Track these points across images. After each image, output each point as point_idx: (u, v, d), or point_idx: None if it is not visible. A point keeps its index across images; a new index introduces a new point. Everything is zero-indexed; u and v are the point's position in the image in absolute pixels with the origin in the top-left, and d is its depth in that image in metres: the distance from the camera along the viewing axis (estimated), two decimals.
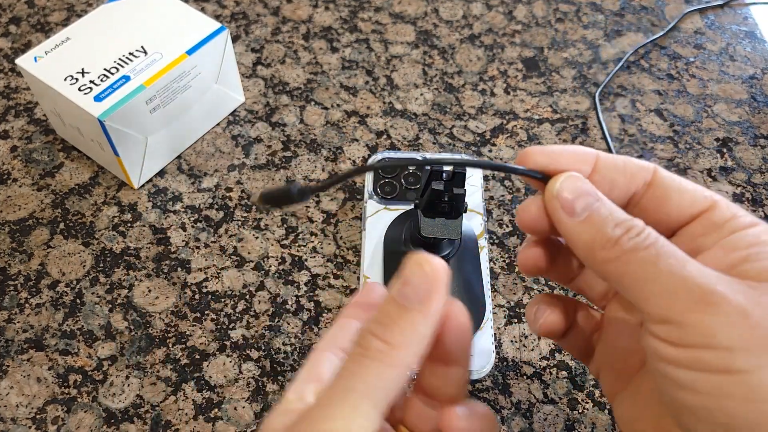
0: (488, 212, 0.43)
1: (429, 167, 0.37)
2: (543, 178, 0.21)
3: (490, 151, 0.46)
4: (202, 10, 0.54)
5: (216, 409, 0.35)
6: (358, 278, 0.40)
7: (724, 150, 0.47)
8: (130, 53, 0.41)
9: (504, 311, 0.39)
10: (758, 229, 0.20)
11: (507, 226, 0.43)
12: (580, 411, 0.35)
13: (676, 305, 0.18)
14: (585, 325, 0.25)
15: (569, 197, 0.20)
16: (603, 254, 0.19)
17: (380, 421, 0.18)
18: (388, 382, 0.18)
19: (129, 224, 0.42)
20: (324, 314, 0.38)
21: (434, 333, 0.19)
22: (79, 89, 0.39)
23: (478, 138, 0.47)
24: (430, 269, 0.18)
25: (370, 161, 0.44)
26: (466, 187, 0.34)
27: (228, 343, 0.37)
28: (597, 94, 0.49)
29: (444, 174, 0.34)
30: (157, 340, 0.37)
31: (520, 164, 0.22)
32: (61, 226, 0.42)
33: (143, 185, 0.44)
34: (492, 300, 0.39)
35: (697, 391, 0.17)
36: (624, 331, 0.23)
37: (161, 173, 0.45)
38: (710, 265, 0.19)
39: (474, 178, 0.43)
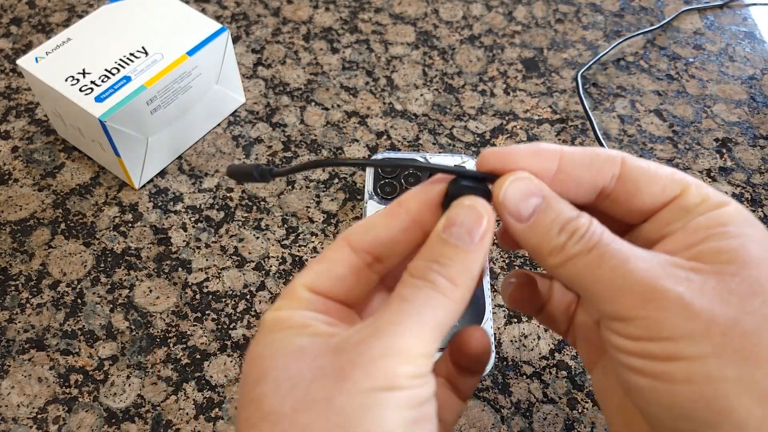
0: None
1: (430, 169, 0.37)
2: (490, 178, 0.21)
3: None
4: (203, 11, 0.54)
5: (217, 409, 0.35)
6: None
7: (724, 150, 0.47)
8: (131, 54, 0.41)
9: (503, 311, 0.39)
10: (724, 210, 0.20)
11: None
12: (580, 410, 0.35)
13: (621, 303, 0.19)
14: (561, 299, 0.26)
15: (513, 201, 0.20)
16: (551, 260, 0.20)
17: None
18: (451, 316, 0.19)
19: (130, 224, 0.42)
20: None
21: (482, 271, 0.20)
22: (80, 90, 0.39)
23: (477, 138, 0.47)
24: (482, 210, 0.20)
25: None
26: None
27: (229, 342, 0.37)
28: (579, 75, 0.49)
29: None
30: (158, 340, 0.38)
31: (477, 168, 0.22)
32: (62, 226, 0.42)
33: (144, 185, 0.44)
34: (492, 300, 0.39)
35: (646, 375, 0.19)
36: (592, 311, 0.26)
37: (162, 174, 0.45)
38: (670, 249, 0.20)
39: None
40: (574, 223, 0.20)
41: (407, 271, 0.20)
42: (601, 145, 0.47)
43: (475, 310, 0.37)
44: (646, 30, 0.53)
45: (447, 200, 0.21)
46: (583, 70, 0.49)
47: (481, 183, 0.21)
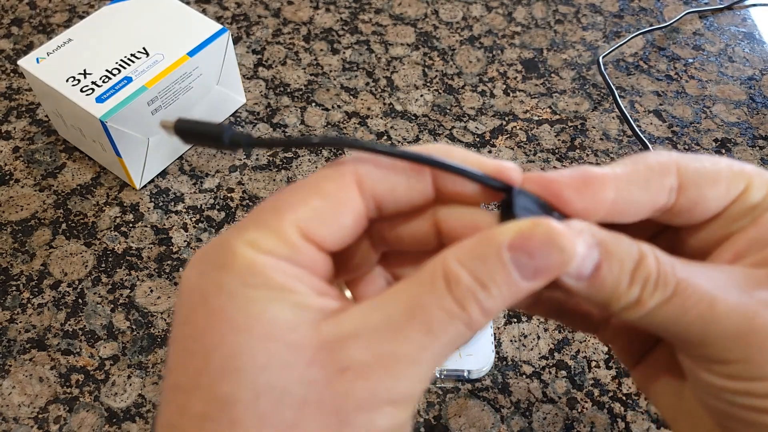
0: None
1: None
2: (503, 188, 0.18)
3: (490, 152, 0.47)
4: (204, 11, 0.54)
5: None
6: None
7: (723, 151, 0.47)
8: (132, 54, 0.42)
9: (504, 311, 0.39)
10: None
11: None
12: (579, 410, 0.35)
13: (716, 348, 0.17)
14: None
15: (571, 241, 0.16)
16: (626, 315, 0.17)
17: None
18: (458, 341, 0.16)
19: (131, 225, 0.42)
20: None
21: None
22: (81, 90, 0.40)
23: (477, 139, 0.47)
24: (569, 255, 0.16)
25: None
26: None
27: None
28: (600, 58, 0.49)
29: None
30: (159, 339, 0.38)
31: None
32: (63, 226, 0.42)
33: (145, 186, 0.44)
34: None
35: (752, 410, 0.17)
36: None
37: (163, 174, 0.45)
38: (739, 249, 0.18)
39: None
40: (643, 270, 0.17)
41: (443, 276, 0.16)
42: (630, 126, 0.47)
43: None
44: (649, 29, 0.53)
45: (505, 207, 0.17)
46: (603, 55, 0.49)
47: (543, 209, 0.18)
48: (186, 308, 0.16)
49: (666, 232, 0.21)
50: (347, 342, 0.16)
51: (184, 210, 0.43)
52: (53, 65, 0.41)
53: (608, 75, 0.51)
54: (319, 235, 0.17)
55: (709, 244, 0.19)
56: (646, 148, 0.44)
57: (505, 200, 0.17)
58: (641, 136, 0.44)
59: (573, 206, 0.18)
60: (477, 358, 0.36)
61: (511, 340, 0.38)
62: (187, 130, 0.19)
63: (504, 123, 0.48)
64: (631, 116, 0.49)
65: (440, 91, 0.50)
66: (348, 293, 0.21)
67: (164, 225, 0.42)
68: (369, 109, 0.49)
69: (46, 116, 0.48)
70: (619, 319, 0.19)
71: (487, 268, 0.16)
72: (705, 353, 0.17)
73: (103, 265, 0.41)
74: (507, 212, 0.17)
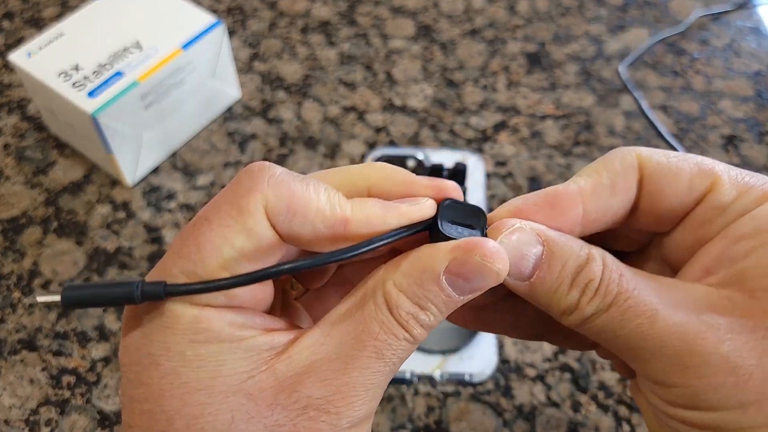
0: (490, 210, 0.42)
1: (430, 165, 0.37)
2: (427, 225, 0.18)
3: (492, 147, 0.46)
4: (198, 4, 0.53)
5: None
6: None
7: (730, 147, 0.46)
8: (125, 48, 0.41)
9: None
10: (762, 210, 0.17)
11: None
12: (584, 414, 0.35)
13: (655, 367, 0.16)
14: None
15: (504, 260, 0.16)
16: (566, 320, 0.17)
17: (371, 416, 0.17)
18: (404, 358, 0.17)
19: (122, 223, 0.42)
20: None
21: None
22: (73, 85, 0.39)
23: (479, 134, 0.46)
24: (501, 269, 0.16)
25: (368, 158, 0.43)
26: (467, 185, 0.33)
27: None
28: (622, 67, 0.48)
29: (445, 171, 0.33)
30: None
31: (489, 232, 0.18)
32: (54, 224, 0.41)
33: (137, 183, 0.43)
34: None
35: None
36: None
37: (155, 171, 0.44)
38: (710, 262, 0.17)
39: (475, 175, 0.43)
40: (585, 274, 0.16)
41: (386, 302, 0.16)
42: (650, 120, 0.46)
43: None
44: (669, 35, 0.52)
45: (434, 225, 0.18)
46: (628, 64, 0.48)
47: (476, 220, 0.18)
48: (136, 368, 0.16)
49: (651, 244, 0.20)
50: (303, 379, 0.16)
51: (177, 208, 0.42)
52: (44, 60, 0.40)
53: (613, 71, 0.50)
54: (242, 264, 0.16)
55: (683, 251, 0.18)
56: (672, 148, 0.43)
57: (433, 218, 0.18)
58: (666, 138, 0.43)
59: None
60: (479, 361, 0.35)
61: (513, 343, 0.37)
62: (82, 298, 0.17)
63: (506, 118, 0.47)
64: (636, 112, 0.48)
65: (441, 85, 0.49)
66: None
67: (156, 223, 0.42)
68: (367, 103, 0.48)
69: (38, 112, 0.47)
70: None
71: (425, 293, 0.16)
72: (645, 372, 0.17)
73: (95, 264, 0.40)
74: (436, 230, 0.17)
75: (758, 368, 0.15)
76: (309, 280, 0.21)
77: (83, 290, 0.17)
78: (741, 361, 0.15)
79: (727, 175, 0.18)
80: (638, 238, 0.19)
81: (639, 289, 0.16)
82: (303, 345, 0.16)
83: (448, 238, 0.17)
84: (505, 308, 0.20)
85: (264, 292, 0.17)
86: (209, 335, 0.16)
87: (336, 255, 0.17)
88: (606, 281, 0.16)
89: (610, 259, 0.17)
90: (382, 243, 0.17)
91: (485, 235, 0.18)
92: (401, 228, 0.17)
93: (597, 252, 0.17)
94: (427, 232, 0.18)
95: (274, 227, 0.16)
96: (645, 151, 0.18)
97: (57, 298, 0.17)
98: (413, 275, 0.16)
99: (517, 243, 0.17)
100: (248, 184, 0.16)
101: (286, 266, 0.16)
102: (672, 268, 0.19)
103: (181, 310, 0.16)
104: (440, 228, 0.17)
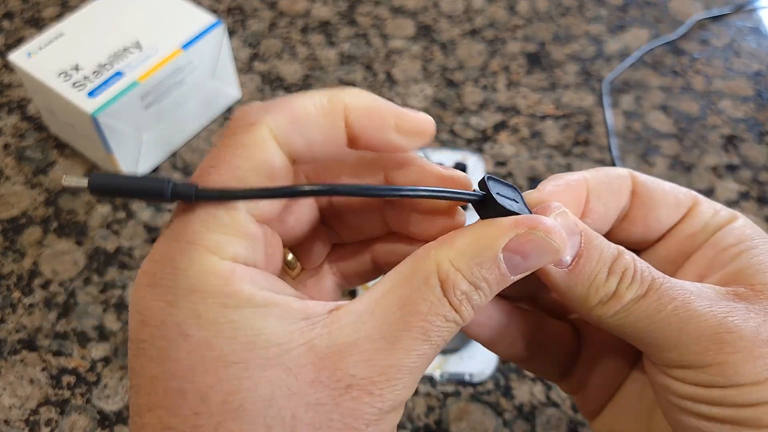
0: None
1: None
2: (480, 197, 0.17)
3: (492, 147, 0.46)
4: (198, 4, 0.53)
5: None
6: None
7: (730, 147, 0.46)
8: (124, 48, 0.41)
9: None
10: (740, 224, 0.19)
11: None
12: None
13: (690, 350, 0.17)
14: (555, 341, 0.22)
15: (564, 239, 0.17)
16: (602, 310, 0.17)
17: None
18: (447, 338, 0.16)
19: (122, 223, 0.42)
20: None
21: None
22: (73, 85, 0.39)
23: (479, 134, 0.46)
24: (562, 249, 0.16)
25: None
26: None
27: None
28: (603, 85, 0.48)
29: None
30: None
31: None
32: (54, 224, 0.41)
33: None
34: None
35: (723, 421, 0.17)
36: (609, 348, 0.21)
37: (155, 171, 0.44)
38: (701, 269, 0.19)
39: (476, 175, 0.43)
40: (621, 263, 0.17)
41: (440, 282, 0.16)
42: (609, 149, 0.46)
43: None
44: (668, 40, 0.52)
45: (482, 204, 0.17)
46: (610, 79, 0.48)
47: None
48: (160, 343, 0.15)
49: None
50: (345, 357, 0.15)
51: None
52: (44, 60, 0.40)
53: (613, 71, 0.50)
54: (276, 218, 0.16)
55: (668, 264, 0.20)
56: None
57: (484, 191, 0.17)
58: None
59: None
60: (479, 361, 0.35)
61: None
62: (114, 185, 0.16)
63: (506, 118, 0.47)
64: (636, 112, 0.48)
65: (441, 85, 0.49)
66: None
67: (156, 223, 0.42)
68: None
69: (38, 112, 0.47)
70: (596, 323, 0.18)
71: (482, 271, 0.16)
72: (677, 357, 0.17)
73: (95, 264, 0.40)
74: (490, 203, 0.17)
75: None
76: (306, 258, 0.20)
77: (112, 179, 0.16)
78: (765, 336, 0.16)
79: (705, 200, 0.20)
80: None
81: (668, 278, 0.17)
82: (344, 321, 0.15)
83: (506, 212, 0.16)
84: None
85: (280, 254, 0.17)
86: (241, 299, 0.15)
87: (379, 190, 0.16)
88: (640, 270, 0.17)
89: (633, 254, 0.18)
90: (426, 194, 0.16)
91: (531, 213, 0.18)
92: (451, 191, 0.17)
93: (622, 247, 0.18)
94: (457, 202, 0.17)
95: (286, 153, 0.16)
96: (634, 172, 0.20)
97: (84, 182, 0.15)
98: (472, 253, 0.16)
99: (563, 225, 0.17)
100: (246, 120, 0.16)
101: (323, 187, 0.15)
102: None
103: (209, 267, 0.15)
104: (497, 201, 0.16)
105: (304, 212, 0.18)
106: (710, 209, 0.20)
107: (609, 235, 0.20)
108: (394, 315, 0.16)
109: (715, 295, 0.17)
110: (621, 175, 0.20)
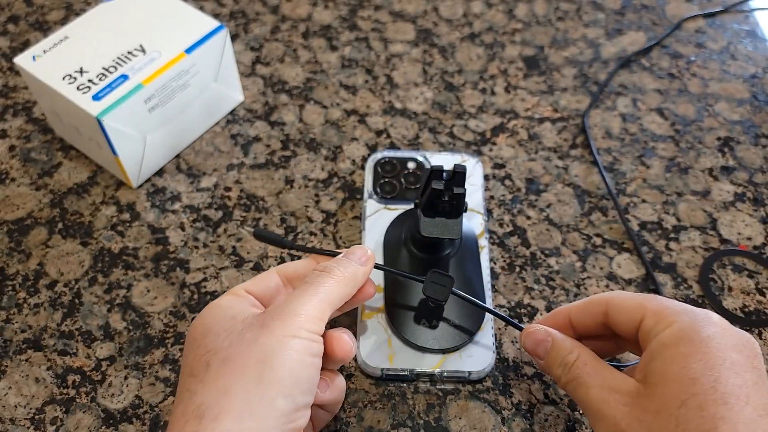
0: (489, 212, 0.43)
1: (429, 166, 0.37)
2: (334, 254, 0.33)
3: (491, 150, 0.46)
4: (201, 8, 0.54)
5: None
6: None
7: (726, 149, 0.47)
8: (129, 52, 0.41)
9: (504, 311, 0.39)
10: (667, 332, 0.26)
11: (507, 226, 0.42)
12: (581, 412, 0.35)
13: (589, 418, 0.28)
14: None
15: (530, 347, 0.32)
16: (559, 384, 0.30)
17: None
18: (339, 295, 0.30)
19: (127, 224, 0.42)
20: None
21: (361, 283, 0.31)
22: (78, 88, 0.39)
23: (478, 137, 0.47)
24: (368, 253, 0.32)
25: (369, 160, 0.43)
26: (466, 187, 0.34)
27: None
28: (586, 113, 0.49)
29: (444, 173, 0.33)
30: (156, 340, 0.37)
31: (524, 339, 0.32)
32: (60, 225, 0.42)
33: (142, 185, 0.44)
34: (492, 300, 0.39)
35: None
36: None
37: (160, 173, 0.44)
38: (640, 366, 0.27)
39: (474, 177, 0.43)
40: (567, 358, 0.29)
41: (314, 269, 0.30)
42: (595, 158, 0.47)
43: (475, 311, 0.36)
44: (656, 40, 0.53)
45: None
46: (608, 80, 0.49)
47: None
48: (189, 332, 0.29)
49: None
50: (269, 309, 0.28)
51: (181, 209, 0.43)
52: (49, 63, 0.40)
53: (609, 73, 0.51)
54: (255, 290, 0.31)
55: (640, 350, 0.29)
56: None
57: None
58: (611, 189, 0.43)
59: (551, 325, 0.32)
60: (478, 359, 0.35)
61: (512, 341, 0.37)
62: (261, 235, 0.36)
63: (505, 121, 0.48)
64: (633, 114, 0.49)
65: (440, 88, 0.50)
66: None
67: (161, 224, 0.42)
68: (368, 106, 0.48)
69: (43, 114, 0.47)
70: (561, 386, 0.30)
71: (338, 260, 0.32)
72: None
73: (100, 265, 0.40)
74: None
75: (629, 428, 0.25)
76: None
77: (260, 231, 0.37)
78: (622, 421, 0.26)
79: (651, 309, 0.28)
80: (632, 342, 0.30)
81: (592, 374, 0.28)
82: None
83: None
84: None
85: (269, 291, 0.32)
86: (222, 303, 0.30)
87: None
88: (574, 366, 0.29)
89: (584, 352, 0.29)
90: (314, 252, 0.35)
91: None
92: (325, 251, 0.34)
93: (577, 349, 0.29)
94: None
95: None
96: (611, 295, 0.30)
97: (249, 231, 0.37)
98: (330, 262, 0.32)
99: (534, 338, 0.31)
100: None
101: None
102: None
103: (214, 301, 0.30)
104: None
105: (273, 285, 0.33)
106: (653, 318, 0.27)
107: (603, 336, 0.31)
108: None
109: (610, 388, 0.27)
110: (598, 300, 0.31)
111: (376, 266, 0.32)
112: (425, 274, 0.33)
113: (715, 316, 0.27)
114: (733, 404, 0.23)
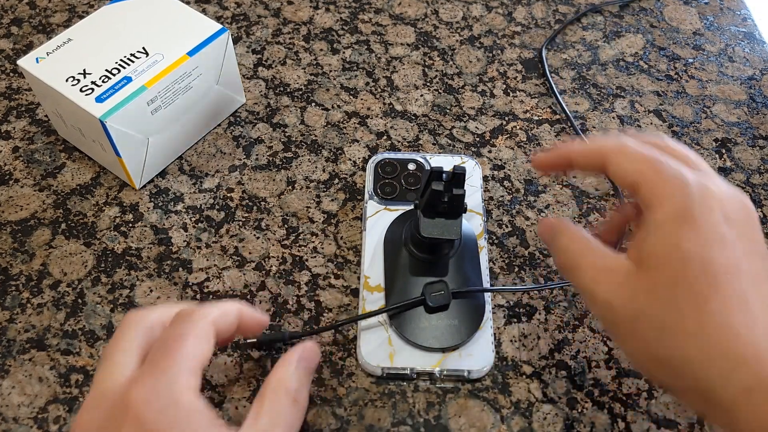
0: (488, 212, 0.43)
1: (429, 167, 0.38)
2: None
3: (490, 151, 0.47)
4: (203, 11, 0.54)
5: (217, 409, 0.35)
6: (359, 278, 0.40)
7: (723, 151, 0.47)
8: (132, 54, 0.42)
9: (503, 311, 0.39)
10: (661, 213, 0.26)
11: (506, 227, 0.43)
12: (580, 410, 0.35)
13: (585, 300, 0.30)
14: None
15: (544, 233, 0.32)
16: (559, 268, 0.31)
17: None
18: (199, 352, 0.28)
19: (130, 225, 0.42)
20: (324, 314, 0.39)
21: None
22: (81, 90, 0.40)
23: (477, 139, 0.47)
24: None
25: (370, 162, 0.44)
26: (465, 188, 0.34)
27: (229, 343, 0.38)
28: (543, 47, 0.49)
29: (444, 174, 0.34)
30: None
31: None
32: (63, 226, 0.42)
33: (144, 186, 0.44)
34: (491, 300, 0.39)
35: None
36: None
37: (162, 174, 0.45)
38: (637, 240, 0.27)
39: (473, 179, 0.43)
40: (560, 241, 0.30)
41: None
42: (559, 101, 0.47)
43: (475, 310, 0.37)
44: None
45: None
46: (546, 42, 0.49)
47: None
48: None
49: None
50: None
51: (184, 210, 0.43)
52: (53, 65, 0.41)
53: (607, 75, 0.51)
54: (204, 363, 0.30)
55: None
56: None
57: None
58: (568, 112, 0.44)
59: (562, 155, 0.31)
60: (477, 358, 0.36)
61: (511, 340, 0.38)
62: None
63: (504, 123, 0.48)
64: (631, 116, 0.49)
65: (440, 90, 0.50)
66: None
67: (164, 225, 0.42)
68: (369, 108, 0.49)
69: (46, 116, 0.48)
70: None
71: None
72: None
73: (103, 265, 0.41)
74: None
75: (622, 305, 0.26)
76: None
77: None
78: (614, 299, 0.26)
79: (649, 182, 0.27)
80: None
81: (582, 254, 0.28)
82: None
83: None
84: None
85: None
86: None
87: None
88: (568, 249, 0.29)
89: (575, 232, 0.29)
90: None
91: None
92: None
93: (568, 229, 0.30)
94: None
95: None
96: (612, 149, 0.29)
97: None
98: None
99: (544, 223, 0.32)
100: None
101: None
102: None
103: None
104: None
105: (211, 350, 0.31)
106: (648, 193, 0.27)
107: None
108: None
109: (605, 267, 0.27)
110: (596, 151, 0.30)
111: (372, 313, 0.36)
112: (422, 275, 0.33)
113: (712, 185, 0.26)
114: (721, 281, 0.24)
